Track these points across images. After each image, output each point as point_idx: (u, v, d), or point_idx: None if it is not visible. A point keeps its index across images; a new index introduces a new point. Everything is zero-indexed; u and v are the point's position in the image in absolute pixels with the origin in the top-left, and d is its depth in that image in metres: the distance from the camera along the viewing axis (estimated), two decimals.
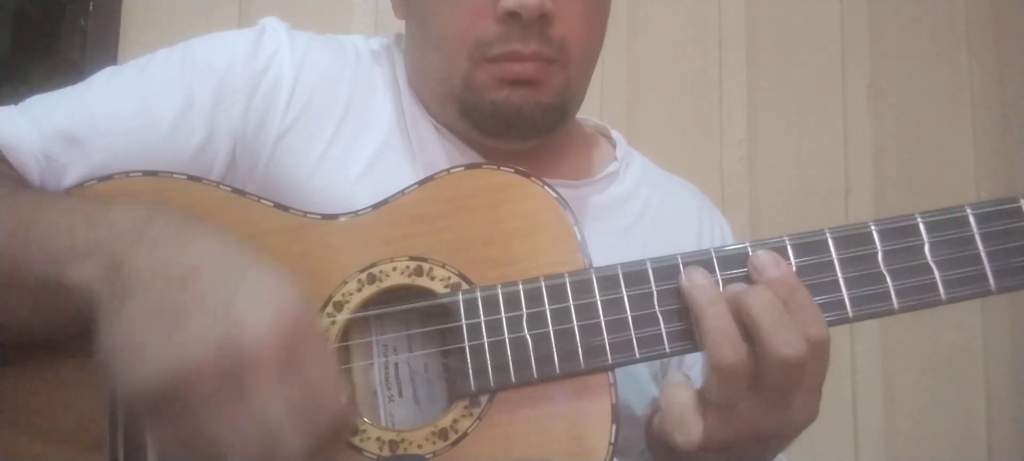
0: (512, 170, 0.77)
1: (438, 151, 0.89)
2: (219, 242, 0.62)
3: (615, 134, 1.04)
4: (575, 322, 0.71)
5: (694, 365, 0.93)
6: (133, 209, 0.63)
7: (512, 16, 0.80)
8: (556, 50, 0.83)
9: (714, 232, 1.01)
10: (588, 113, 1.05)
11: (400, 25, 1.00)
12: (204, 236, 0.62)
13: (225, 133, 0.84)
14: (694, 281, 0.69)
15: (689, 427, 0.68)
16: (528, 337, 0.71)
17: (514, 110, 0.84)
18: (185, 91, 0.83)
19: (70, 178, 0.78)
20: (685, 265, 0.72)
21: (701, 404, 0.69)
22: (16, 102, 0.84)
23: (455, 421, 0.71)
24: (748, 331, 0.67)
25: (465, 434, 0.71)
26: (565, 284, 0.72)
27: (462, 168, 0.78)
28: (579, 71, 0.87)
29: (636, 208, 0.96)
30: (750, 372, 0.67)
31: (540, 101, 0.84)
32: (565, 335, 0.71)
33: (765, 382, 0.67)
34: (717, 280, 0.71)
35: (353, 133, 0.87)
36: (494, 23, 0.82)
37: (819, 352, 0.67)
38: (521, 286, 0.72)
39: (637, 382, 0.87)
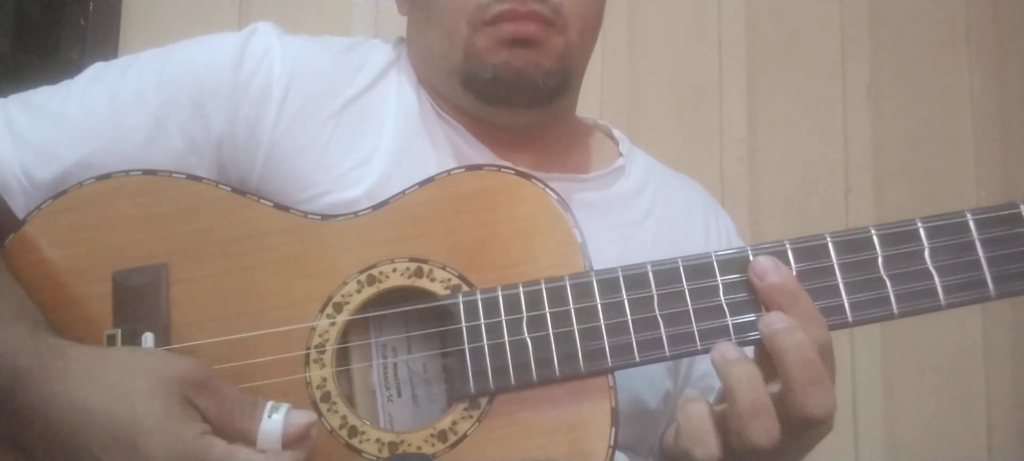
0: (513, 171, 0.77)
1: (444, 148, 0.89)
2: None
3: (618, 133, 1.04)
4: (575, 325, 0.71)
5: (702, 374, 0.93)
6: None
7: None
8: (553, 12, 0.84)
9: (719, 229, 1.01)
10: (588, 113, 1.05)
11: (401, 26, 1.00)
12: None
13: (207, 140, 0.83)
14: (726, 356, 0.68)
15: (709, 441, 0.67)
16: (528, 340, 0.71)
17: (515, 72, 0.85)
18: (161, 100, 0.83)
19: (53, 190, 0.78)
20: (686, 267, 0.72)
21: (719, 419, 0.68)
22: None
23: (454, 423, 0.71)
24: (779, 373, 0.66)
25: (464, 436, 0.71)
26: (565, 287, 0.72)
27: (462, 170, 0.78)
28: (578, 41, 0.88)
29: (644, 204, 0.97)
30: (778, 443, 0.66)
31: (540, 63, 0.85)
32: (565, 338, 0.71)
33: (788, 427, 0.66)
34: (744, 354, 0.69)
35: (351, 137, 0.86)
36: None
37: (824, 356, 0.67)
38: (521, 288, 0.72)
39: (650, 376, 0.87)
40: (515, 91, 0.86)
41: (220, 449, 0.63)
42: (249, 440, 0.66)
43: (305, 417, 0.67)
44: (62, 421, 0.64)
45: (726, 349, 0.68)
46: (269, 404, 0.67)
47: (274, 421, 0.66)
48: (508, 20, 0.84)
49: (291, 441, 0.66)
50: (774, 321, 0.68)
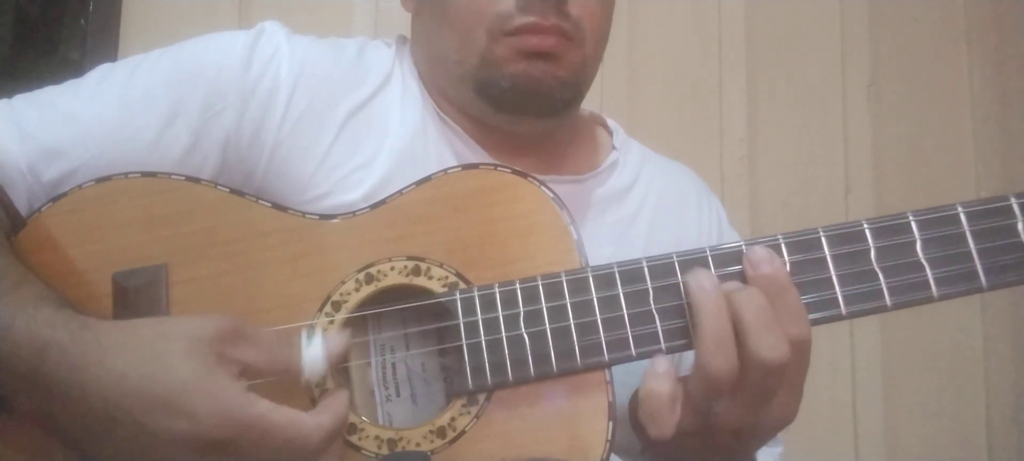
0: (509, 170, 0.77)
1: (446, 152, 0.89)
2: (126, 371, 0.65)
3: (612, 123, 1.04)
4: (572, 320, 0.71)
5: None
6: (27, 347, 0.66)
7: None
8: (573, 27, 0.85)
9: (711, 215, 1.02)
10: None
11: (401, 25, 1.00)
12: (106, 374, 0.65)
13: (214, 139, 0.83)
14: (701, 283, 0.69)
15: (663, 422, 0.68)
16: (525, 335, 0.71)
17: (533, 82, 0.85)
18: (171, 99, 0.83)
19: (58, 189, 0.79)
20: (681, 262, 0.72)
21: (677, 398, 0.69)
22: None
23: (453, 419, 0.71)
24: (735, 330, 0.67)
25: (463, 432, 0.71)
26: (561, 283, 0.72)
27: (459, 168, 0.78)
28: (592, 53, 0.89)
29: (638, 197, 0.97)
30: (735, 378, 0.67)
31: (557, 75, 0.85)
32: (562, 333, 0.71)
33: (746, 383, 0.67)
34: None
35: (355, 141, 0.86)
36: None
37: (800, 352, 0.68)
38: (518, 285, 0.73)
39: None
40: (530, 101, 0.86)
41: (264, 404, 0.64)
42: (294, 373, 0.67)
43: (343, 337, 0.70)
44: (97, 391, 0.64)
45: (702, 276, 0.69)
46: (303, 334, 0.69)
47: (315, 345, 0.67)
48: (530, 33, 0.84)
49: (334, 361, 0.68)
50: (730, 284, 0.70)
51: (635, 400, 0.71)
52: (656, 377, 0.69)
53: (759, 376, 0.67)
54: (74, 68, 1.54)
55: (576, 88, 0.89)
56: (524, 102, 0.87)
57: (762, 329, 0.66)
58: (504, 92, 0.86)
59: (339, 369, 0.75)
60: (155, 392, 0.63)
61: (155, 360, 0.64)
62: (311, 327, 0.72)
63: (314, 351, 0.67)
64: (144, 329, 0.68)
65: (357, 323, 0.76)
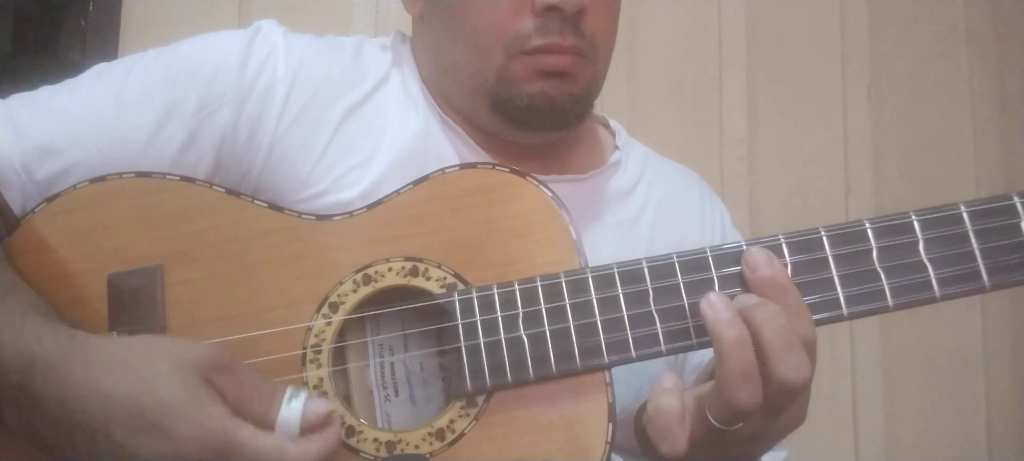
0: (507, 169, 0.77)
1: (447, 154, 0.89)
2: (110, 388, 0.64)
3: (614, 123, 1.04)
4: (571, 321, 0.71)
5: (695, 365, 0.92)
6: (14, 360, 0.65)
7: (551, 10, 0.82)
8: (588, 44, 0.84)
9: (714, 218, 1.02)
10: None
11: (401, 25, 0.99)
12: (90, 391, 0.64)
13: (209, 138, 0.83)
14: (718, 313, 0.67)
15: (675, 438, 0.67)
16: (524, 337, 0.71)
17: (549, 101, 0.85)
18: (167, 98, 0.83)
19: (52, 188, 0.78)
20: (682, 262, 0.71)
21: (687, 411, 0.68)
22: None
23: (452, 421, 0.71)
24: (755, 344, 0.66)
25: (462, 434, 0.70)
26: (561, 284, 0.72)
27: (457, 168, 0.78)
28: (603, 66, 0.89)
29: (640, 198, 0.97)
30: (761, 404, 0.66)
31: (571, 92, 0.85)
32: (561, 335, 0.71)
33: (767, 402, 0.66)
34: (729, 298, 0.68)
35: (352, 140, 0.86)
36: (532, 16, 0.83)
37: (807, 351, 0.67)
38: (517, 286, 0.72)
39: (651, 374, 0.87)
40: (546, 118, 0.86)
41: (247, 431, 0.63)
42: (267, 425, 0.65)
43: (324, 406, 0.67)
44: (83, 408, 0.63)
45: (719, 305, 0.67)
46: (289, 390, 0.67)
47: (293, 408, 0.66)
48: (548, 53, 0.83)
49: (309, 429, 0.66)
50: (746, 298, 0.68)
51: (642, 417, 0.70)
52: (665, 393, 0.68)
53: (780, 396, 0.66)
54: (74, 68, 1.53)
55: (589, 102, 0.89)
56: (539, 119, 0.87)
57: (784, 350, 0.65)
58: (520, 110, 0.85)
59: (338, 370, 0.75)
60: (138, 412, 0.63)
61: (142, 380, 0.64)
62: (297, 386, 0.70)
63: (292, 413, 0.66)
64: (134, 347, 0.67)
65: (356, 324, 0.76)
